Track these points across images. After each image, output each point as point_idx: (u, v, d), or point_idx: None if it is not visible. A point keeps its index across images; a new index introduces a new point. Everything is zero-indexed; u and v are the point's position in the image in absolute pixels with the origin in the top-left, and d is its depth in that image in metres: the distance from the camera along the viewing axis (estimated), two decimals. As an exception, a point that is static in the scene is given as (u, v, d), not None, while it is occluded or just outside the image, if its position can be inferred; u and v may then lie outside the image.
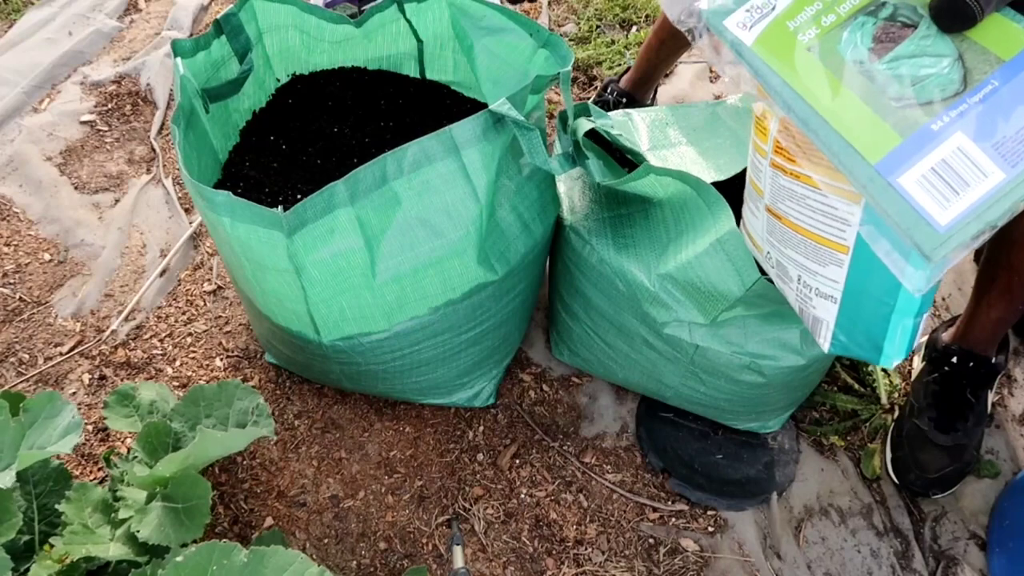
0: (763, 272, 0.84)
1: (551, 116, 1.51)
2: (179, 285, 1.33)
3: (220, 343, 1.25)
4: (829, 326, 0.76)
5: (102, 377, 1.21)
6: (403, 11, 1.13)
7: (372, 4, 1.12)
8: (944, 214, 0.59)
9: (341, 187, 0.81)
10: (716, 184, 0.87)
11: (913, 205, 0.59)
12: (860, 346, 0.75)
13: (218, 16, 1.02)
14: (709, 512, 1.11)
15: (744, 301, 0.90)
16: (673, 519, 1.10)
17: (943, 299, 1.36)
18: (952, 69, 0.62)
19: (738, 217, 0.86)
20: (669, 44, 1.38)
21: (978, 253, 1.37)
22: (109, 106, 1.59)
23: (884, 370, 1.22)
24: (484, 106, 1.17)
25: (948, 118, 0.61)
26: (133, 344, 1.25)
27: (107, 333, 1.25)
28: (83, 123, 1.55)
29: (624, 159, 1.04)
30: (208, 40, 1.00)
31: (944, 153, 0.60)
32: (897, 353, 0.74)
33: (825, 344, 0.77)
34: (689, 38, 0.71)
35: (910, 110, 0.62)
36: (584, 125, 0.94)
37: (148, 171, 1.49)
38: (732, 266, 0.87)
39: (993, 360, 1.13)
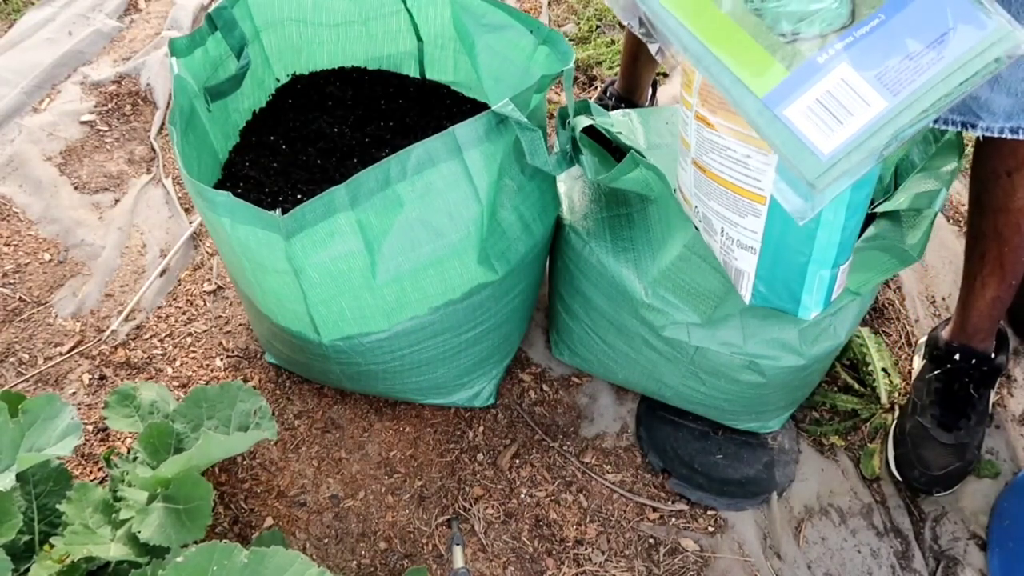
0: None
1: (551, 116, 1.51)
2: (179, 285, 1.33)
3: (220, 343, 1.25)
4: (750, 277, 0.77)
5: (102, 377, 1.21)
6: (404, 1, 1.13)
7: None
8: (827, 143, 0.60)
9: (342, 191, 0.81)
10: None
11: (798, 135, 0.61)
12: (780, 297, 0.77)
13: (209, 10, 1.02)
14: (709, 512, 1.11)
15: (735, 297, 0.91)
16: (673, 519, 1.10)
17: (943, 299, 1.36)
18: (841, 4, 0.64)
19: None
20: (644, 54, 1.38)
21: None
22: (109, 106, 1.59)
23: (884, 370, 1.22)
24: (484, 106, 1.17)
25: (834, 51, 0.62)
26: (133, 344, 1.25)
27: (107, 333, 1.25)
28: (83, 123, 1.55)
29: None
30: (203, 37, 1.00)
31: (829, 84, 0.61)
32: (815, 304, 0.75)
33: (747, 295, 0.79)
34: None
35: (797, 44, 0.63)
36: (583, 122, 0.94)
37: (148, 171, 1.49)
38: (708, 265, 0.88)
39: (994, 357, 1.13)
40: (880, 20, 0.62)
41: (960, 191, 1.51)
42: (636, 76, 1.44)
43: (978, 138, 0.90)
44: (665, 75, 1.69)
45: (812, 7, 0.64)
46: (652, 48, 0.72)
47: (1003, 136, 0.86)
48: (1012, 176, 0.94)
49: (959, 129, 0.87)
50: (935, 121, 0.86)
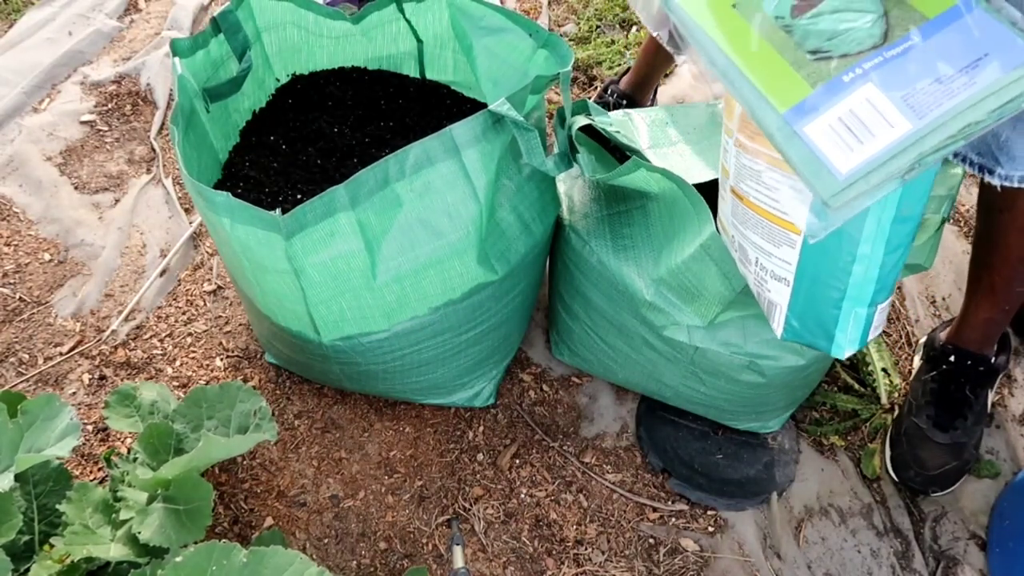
0: None
1: (551, 116, 1.51)
2: (179, 285, 1.33)
3: (220, 343, 1.25)
4: (782, 310, 0.76)
5: (102, 377, 1.21)
6: (402, 11, 1.13)
7: (372, 1, 1.12)
8: (846, 162, 0.59)
9: (342, 191, 0.81)
10: (702, 186, 0.87)
11: (816, 153, 0.59)
12: (812, 333, 0.75)
13: (215, 14, 1.02)
14: (709, 512, 1.11)
15: (737, 303, 0.91)
16: (673, 519, 1.10)
17: (943, 299, 1.36)
18: (874, 25, 0.62)
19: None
20: (660, 56, 1.38)
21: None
22: (109, 106, 1.59)
23: (884, 370, 1.22)
24: (484, 106, 1.17)
25: (861, 70, 0.61)
26: (133, 344, 1.25)
27: (107, 333, 1.25)
28: (83, 123, 1.55)
29: (624, 158, 1.04)
30: (206, 39, 1.00)
31: (852, 103, 0.60)
32: (850, 343, 0.73)
33: (778, 329, 0.77)
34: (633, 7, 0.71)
35: (824, 63, 0.62)
36: (580, 121, 0.94)
37: (148, 171, 1.49)
38: (718, 270, 0.87)
39: (993, 360, 1.13)
40: (912, 43, 0.61)
41: (961, 192, 1.51)
42: (647, 76, 1.45)
43: None
44: (665, 75, 1.69)
45: (843, 26, 0.63)
46: (679, 59, 0.71)
47: (1022, 187, 0.82)
48: (1003, 214, 0.95)
49: (976, 172, 0.84)
50: (955, 156, 0.84)
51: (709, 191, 0.86)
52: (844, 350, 0.74)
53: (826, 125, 0.60)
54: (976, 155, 0.83)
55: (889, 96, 0.59)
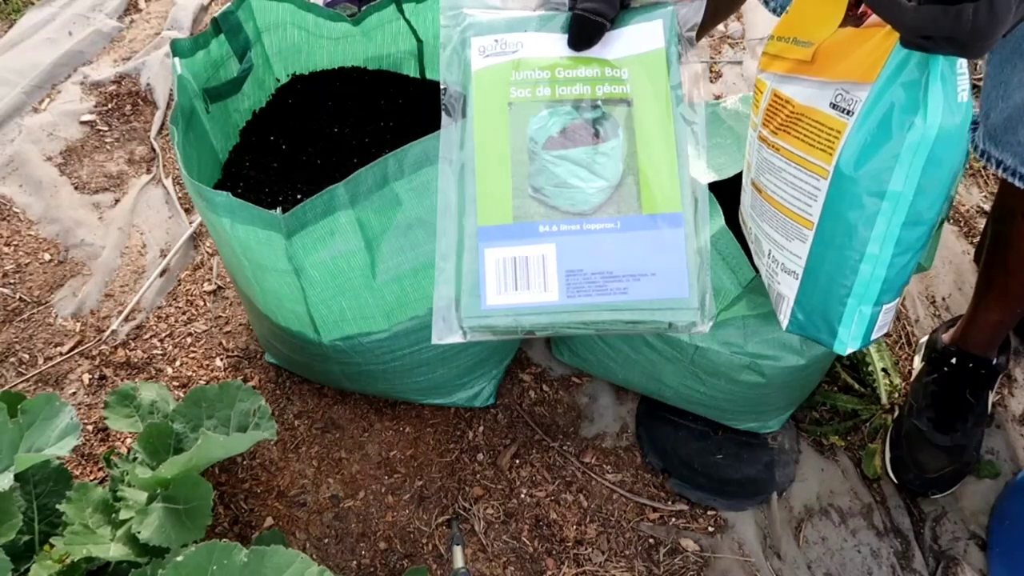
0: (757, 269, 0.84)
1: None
2: (179, 285, 1.33)
3: (220, 343, 1.25)
4: (789, 303, 0.77)
5: (102, 377, 1.21)
6: (402, 11, 1.13)
7: (371, 3, 1.12)
8: (494, 297, 0.65)
9: (342, 189, 0.81)
10: (714, 184, 0.87)
11: (481, 275, 0.66)
12: (816, 327, 0.76)
13: (216, 15, 1.02)
14: (709, 512, 1.11)
15: (742, 299, 0.90)
16: (673, 519, 1.10)
17: (943, 299, 1.36)
18: (598, 194, 0.66)
19: (732, 216, 0.87)
20: None
21: (979, 255, 1.37)
22: (109, 106, 1.59)
23: (884, 370, 1.22)
24: (484, 106, 1.17)
25: (556, 228, 0.66)
26: (133, 344, 1.25)
27: (107, 333, 1.25)
28: (83, 123, 1.55)
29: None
30: (207, 39, 1.00)
31: (530, 253, 0.66)
32: (853, 340, 0.75)
33: (784, 321, 0.79)
34: None
35: (536, 204, 0.67)
36: None
37: (148, 171, 1.49)
38: (725, 264, 0.88)
39: (994, 361, 1.13)
40: (613, 228, 0.66)
41: (961, 192, 1.51)
42: None
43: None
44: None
45: (572, 181, 0.67)
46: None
47: None
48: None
49: (1020, 183, 0.85)
50: (996, 165, 0.86)
51: (718, 188, 0.86)
52: (846, 346, 0.75)
53: (501, 258, 0.66)
54: (1021, 164, 0.84)
55: (559, 264, 0.65)
